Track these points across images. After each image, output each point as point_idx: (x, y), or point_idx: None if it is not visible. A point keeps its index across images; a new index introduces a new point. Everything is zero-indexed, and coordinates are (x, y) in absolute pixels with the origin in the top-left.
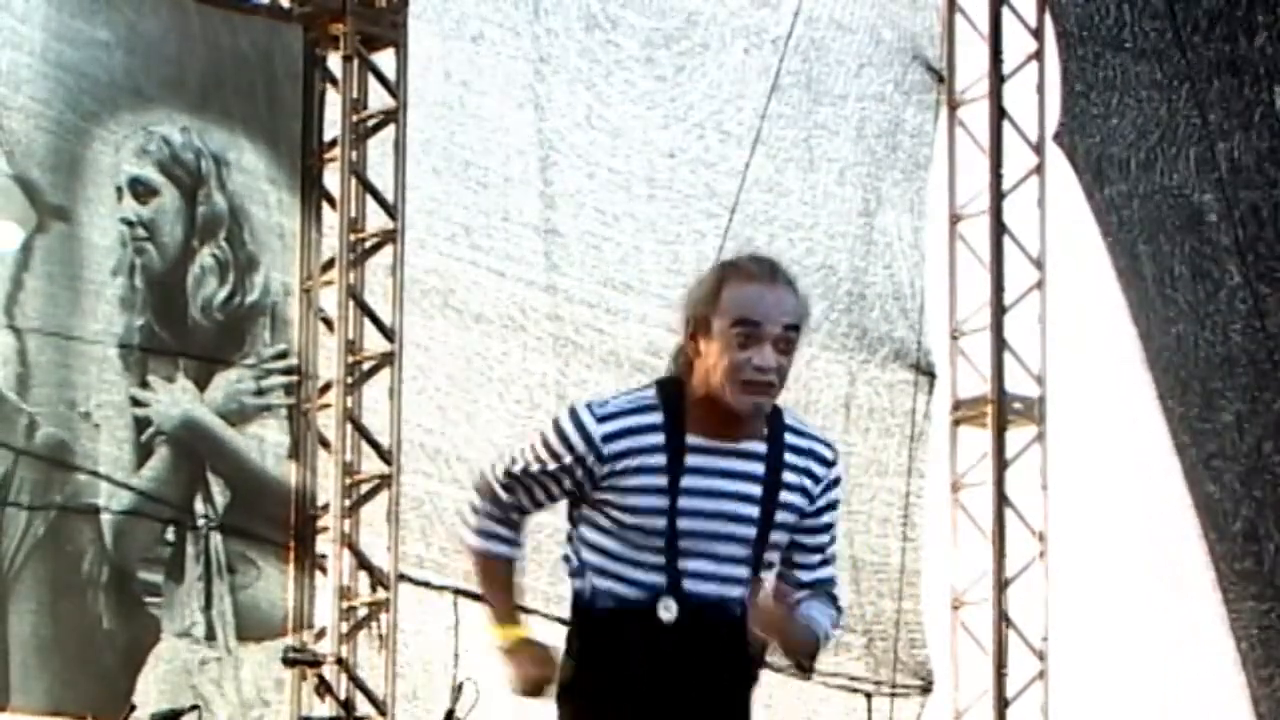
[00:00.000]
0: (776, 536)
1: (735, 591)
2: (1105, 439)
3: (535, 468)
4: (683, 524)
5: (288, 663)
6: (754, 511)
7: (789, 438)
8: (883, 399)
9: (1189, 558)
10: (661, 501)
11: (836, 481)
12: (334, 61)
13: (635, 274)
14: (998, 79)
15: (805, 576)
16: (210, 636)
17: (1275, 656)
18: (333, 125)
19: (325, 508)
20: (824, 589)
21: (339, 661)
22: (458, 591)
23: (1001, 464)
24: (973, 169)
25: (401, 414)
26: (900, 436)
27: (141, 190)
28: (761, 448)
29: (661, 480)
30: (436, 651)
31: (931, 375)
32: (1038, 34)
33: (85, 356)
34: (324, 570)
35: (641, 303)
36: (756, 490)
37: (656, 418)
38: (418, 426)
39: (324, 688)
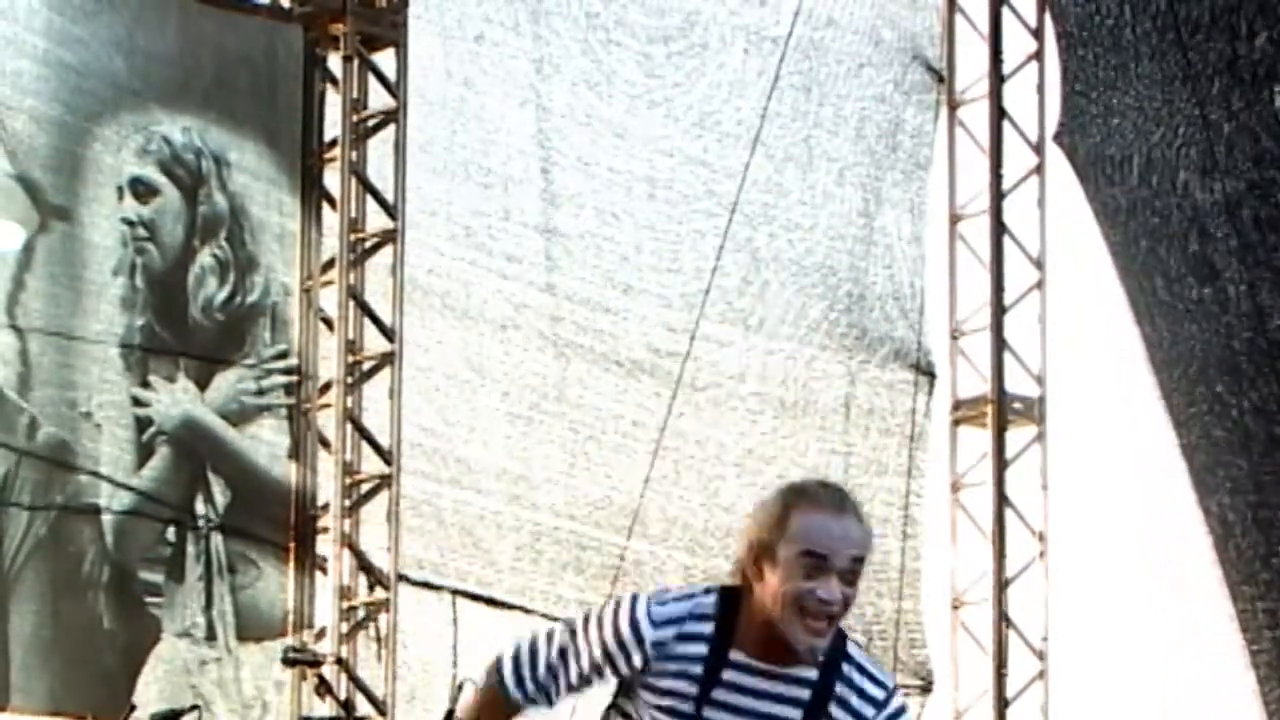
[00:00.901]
0: None
1: None
2: (1105, 439)
3: (587, 649)
4: None
5: (288, 663)
6: None
7: (846, 669)
8: (883, 399)
9: (1189, 558)
10: (688, 708)
11: (896, 714)
12: (334, 61)
13: (635, 274)
14: (998, 79)
15: None
16: (211, 636)
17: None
18: (333, 125)
19: (325, 508)
20: None
21: (339, 661)
22: (457, 592)
23: (1001, 464)
24: (973, 169)
25: (402, 414)
26: (900, 436)
27: (142, 190)
28: (812, 674)
29: (693, 689)
30: (436, 652)
31: (931, 375)
32: (1038, 34)
33: (86, 356)
34: (324, 570)
35: (642, 303)
36: (796, 715)
37: (708, 628)
38: (418, 427)
39: (324, 688)
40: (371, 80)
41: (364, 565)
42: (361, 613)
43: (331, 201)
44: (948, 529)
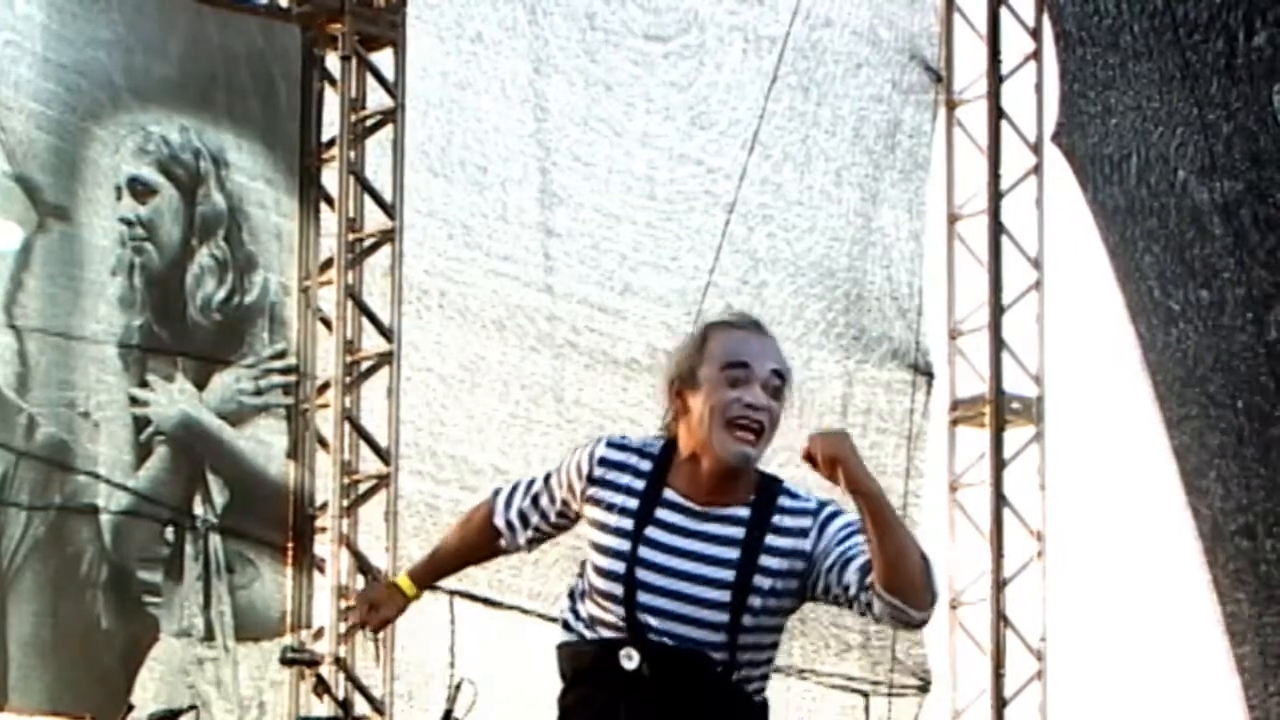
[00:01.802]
0: (758, 601)
1: (711, 642)
2: (1103, 439)
3: (539, 482)
4: (641, 574)
5: (286, 662)
6: (727, 575)
7: (781, 500)
8: (880, 399)
9: (1187, 558)
10: (623, 545)
11: (831, 516)
12: (332, 61)
13: (633, 274)
14: (996, 79)
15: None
16: (209, 636)
17: (1269, 660)
18: (331, 125)
19: (323, 507)
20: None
21: (337, 661)
22: (455, 593)
23: (999, 464)
24: (971, 169)
25: (400, 414)
26: (898, 436)
27: (140, 190)
28: (744, 512)
29: (628, 524)
30: (434, 652)
31: (929, 375)
32: (1036, 34)
33: (84, 356)
34: (322, 570)
35: (640, 303)
36: (733, 554)
37: (647, 465)
38: (416, 426)
39: (322, 687)
40: (370, 80)
41: (362, 565)
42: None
43: (329, 201)
44: (946, 529)
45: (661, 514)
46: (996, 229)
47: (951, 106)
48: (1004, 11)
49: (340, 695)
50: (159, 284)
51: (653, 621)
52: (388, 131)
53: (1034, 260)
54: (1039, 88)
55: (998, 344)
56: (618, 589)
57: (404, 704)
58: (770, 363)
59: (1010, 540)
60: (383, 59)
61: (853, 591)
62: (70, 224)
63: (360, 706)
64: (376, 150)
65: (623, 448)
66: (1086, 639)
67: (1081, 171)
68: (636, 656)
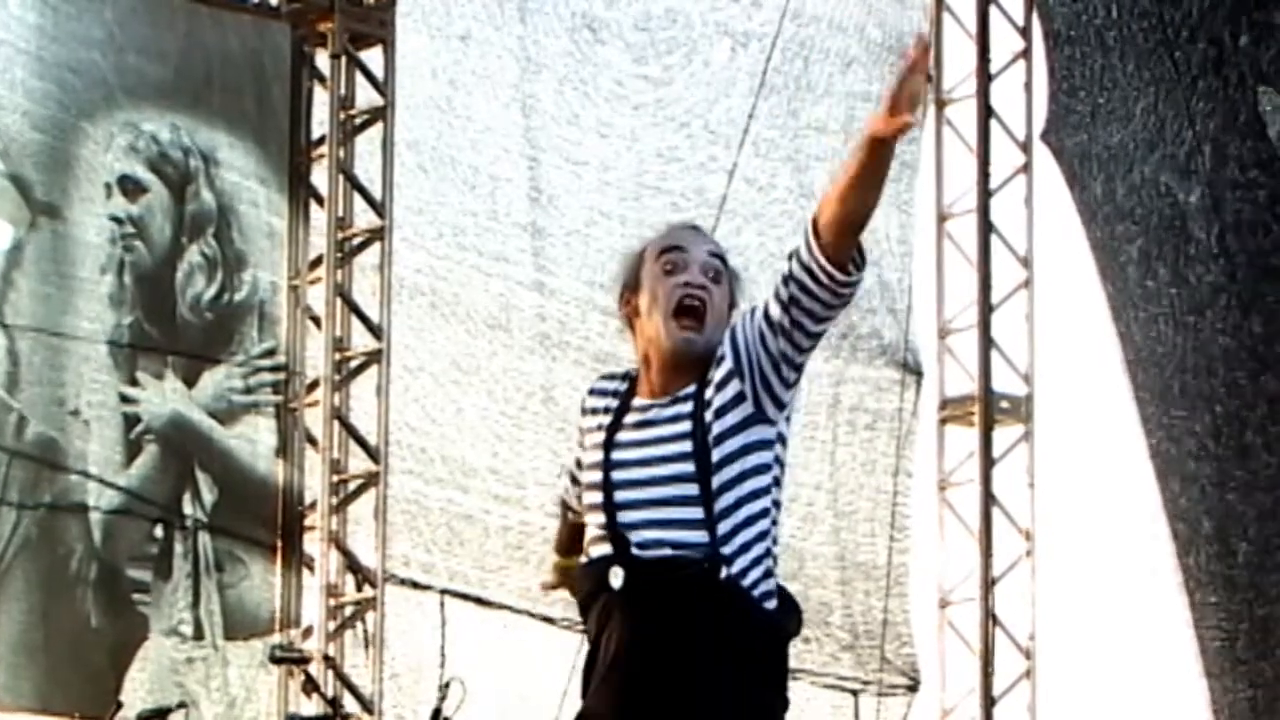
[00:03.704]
0: (717, 454)
1: (694, 540)
2: (1092, 437)
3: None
4: (615, 476)
5: (275, 661)
6: (686, 447)
7: (716, 356)
8: (869, 397)
9: (1174, 557)
10: (597, 456)
11: (732, 330)
12: (322, 59)
13: None
14: (985, 78)
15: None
16: (198, 635)
17: (1237, 659)
18: (321, 123)
19: (313, 506)
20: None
21: (326, 660)
22: (445, 591)
23: (988, 462)
24: (960, 168)
25: (389, 412)
26: (887, 435)
27: (130, 188)
28: (692, 388)
29: (600, 437)
30: (424, 650)
31: (918, 374)
32: (1025, 33)
33: (74, 354)
34: (311, 569)
35: None
36: (686, 426)
37: (624, 385)
38: (406, 425)
39: (311, 686)
40: (359, 78)
41: (351, 564)
42: (349, 611)
43: (319, 199)
44: (935, 528)
45: (628, 418)
46: (986, 228)
47: (941, 105)
48: (993, 10)
49: (329, 694)
50: (149, 282)
51: (634, 519)
52: (377, 130)
53: (1023, 259)
54: (1028, 87)
55: (987, 343)
56: (598, 497)
57: (393, 703)
58: (706, 245)
59: (999, 539)
60: (372, 57)
61: (764, 304)
62: (60, 222)
63: (349, 705)
64: (366, 148)
65: (608, 377)
66: (1075, 638)
67: (1069, 170)
68: (621, 574)
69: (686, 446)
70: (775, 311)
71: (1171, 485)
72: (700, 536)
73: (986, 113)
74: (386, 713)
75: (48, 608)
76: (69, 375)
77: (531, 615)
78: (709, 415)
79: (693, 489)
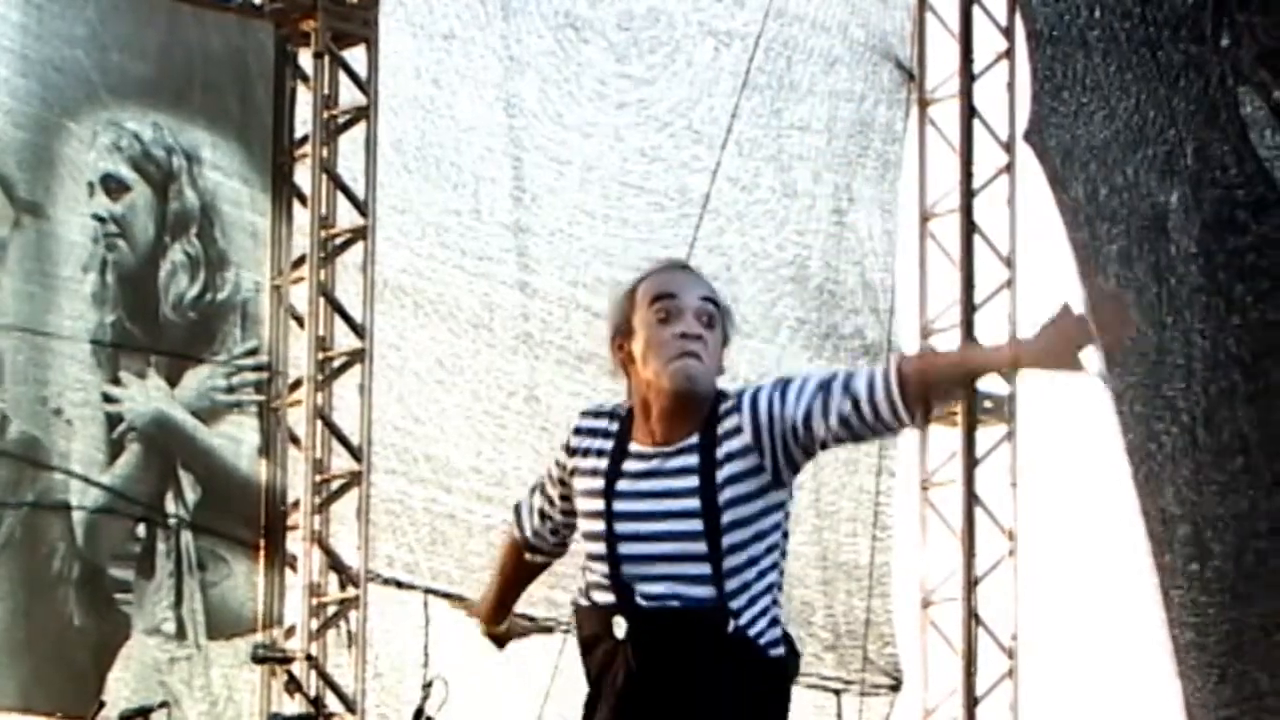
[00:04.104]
0: (732, 515)
1: (699, 592)
2: (1075, 437)
3: (547, 470)
4: (618, 527)
5: (257, 660)
6: (693, 504)
7: (721, 410)
8: None
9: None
10: (598, 505)
11: (754, 396)
12: (305, 58)
13: (606, 272)
14: (968, 77)
15: (856, 384)
16: (180, 634)
17: (1208, 660)
18: (304, 122)
19: (295, 505)
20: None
21: (309, 659)
22: (428, 590)
23: (971, 462)
24: (943, 167)
25: (372, 412)
26: None
27: (113, 186)
28: (696, 439)
29: (599, 484)
30: (406, 649)
31: None
32: (1008, 33)
33: (58, 353)
34: (294, 568)
35: None
36: (692, 482)
37: (614, 426)
38: (388, 424)
39: (294, 685)
40: (342, 77)
41: (334, 563)
42: (331, 610)
43: (302, 198)
44: (918, 527)
45: (627, 465)
46: (969, 227)
47: (924, 105)
48: (976, 10)
49: (312, 693)
50: (132, 281)
51: (640, 572)
52: (361, 129)
53: (1006, 259)
54: (1011, 86)
55: (969, 342)
56: (600, 547)
57: (376, 702)
58: (699, 290)
59: (982, 539)
60: (356, 56)
61: (808, 402)
62: (45, 220)
63: (332, 704)
64: (349, 147)
65: (595, 414)
66: (1058, 637)
67: (1051, 170)
68: (624, 625)
69: (694, 504)
70: (819, 421)
71: (1148, 485)
72: (708, 591)
73: (969, 112)
74: (369, 712)
75: (30, 607)
76: (52, 374)
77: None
78: (719, 476)
79: (700, 546)
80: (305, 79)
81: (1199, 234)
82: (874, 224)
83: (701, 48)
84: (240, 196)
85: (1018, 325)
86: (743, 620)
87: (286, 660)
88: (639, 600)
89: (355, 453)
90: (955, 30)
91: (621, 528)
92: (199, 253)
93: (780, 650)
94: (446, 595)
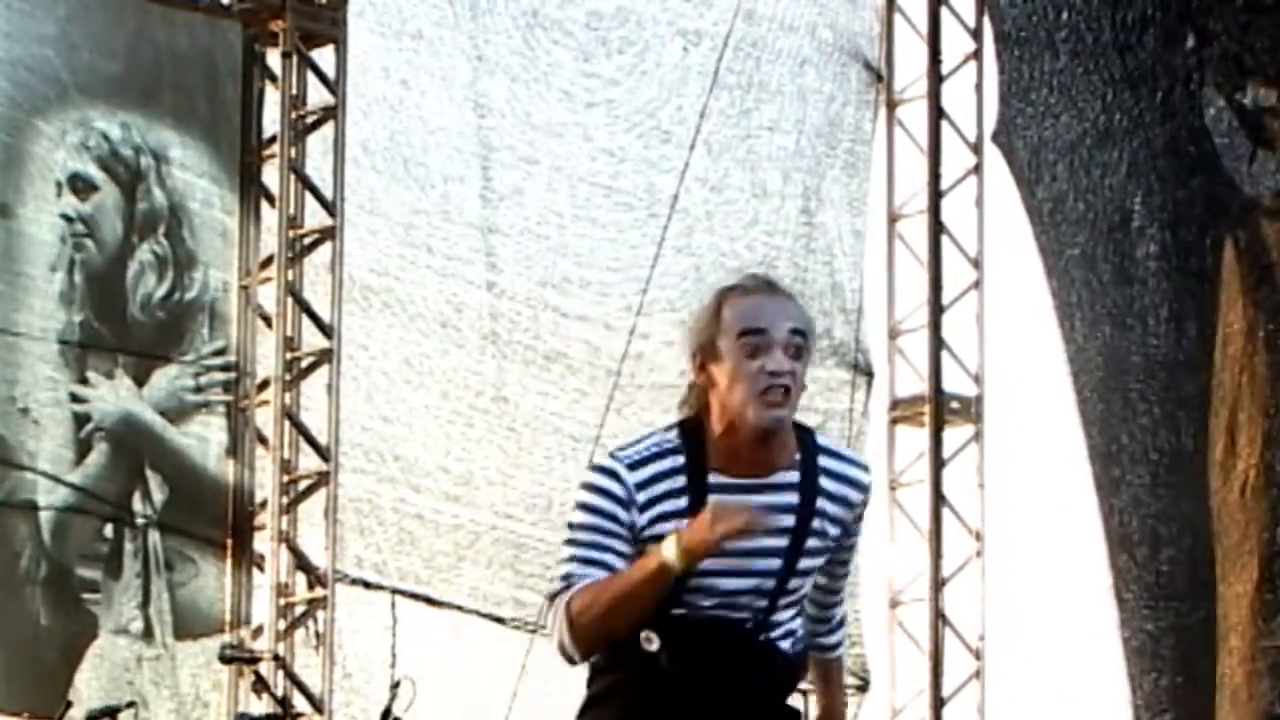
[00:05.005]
0: (806, 564)
1: (743, 615)
2: (1042, 438)
3: (595, 538)
4: (704, 564)
5: (225, 660)
6: (783, 543)
7: (824, 461)
8: (820, 398)
9: None
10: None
11: (866, 504)
12: (273, 58)
13: (575, 273)
14: (936, 79)
15: (828, 640)
16: (148, 634)
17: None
18: (272, 122)
19: (263, 505)
20: (840, 665)
21: (276, 659)
22: (395, 591)
23: (939, 463)
24: (911, 168)
25: (340, 412)
26: (837, 435)
27: (81, 186)
28: (794, 477)
29: (684, 524)
30: (374, 650)
31: (869, 374)
32: (976, 34)
33: (25, 352)
34: (261, 568)
35: (581, 302)
36: (788, 520)
37: (679, 460)
38: (356, 425)
39: (261, 685)
40: (311, 77)
41: (301, 563)
42: (299, 610)
43: (270, 198)
44: (885, 528)
45: (717, 496)
46: (936, 228)
47: (892, 106)
48: (944, 11)
49: (279, 693)
50: (99, 280)
51: (707, 585)
52: (329, 129)
53: (974, 260)
54: (979, 88)
55: (937, 343)
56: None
57: (343, 702)
58: (788, 323)
59: (949, 539)
60: (324, 56)
61: (811, 606)
62: (13, 219)
63: (300, 704)
64: (317, 147)
65: (641, 462)
66: (1025, 638)
67: (1018, 172)
68: (656, 640)
69: (783, 541)
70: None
71: (1107, 487)
72: (760, 606)
73: (937, 114)
74: (336, 712)
75: None
76: (19, 373)
77: (481, 615)
78: (814, 526)
79: (770, 583)
80: (274, 79)
81: (1163, 236)
82: (842, 224)
83: (670, 48)
84: (208, 196)
85: (986, 326)
86: (776, 633)
87: (254, 660)
88: (676, 610)
89: (323, 453)
90: (923, 31)
91: (707, 564)
92: (167, 252)
93: (800, 647)
94: (414, 595)
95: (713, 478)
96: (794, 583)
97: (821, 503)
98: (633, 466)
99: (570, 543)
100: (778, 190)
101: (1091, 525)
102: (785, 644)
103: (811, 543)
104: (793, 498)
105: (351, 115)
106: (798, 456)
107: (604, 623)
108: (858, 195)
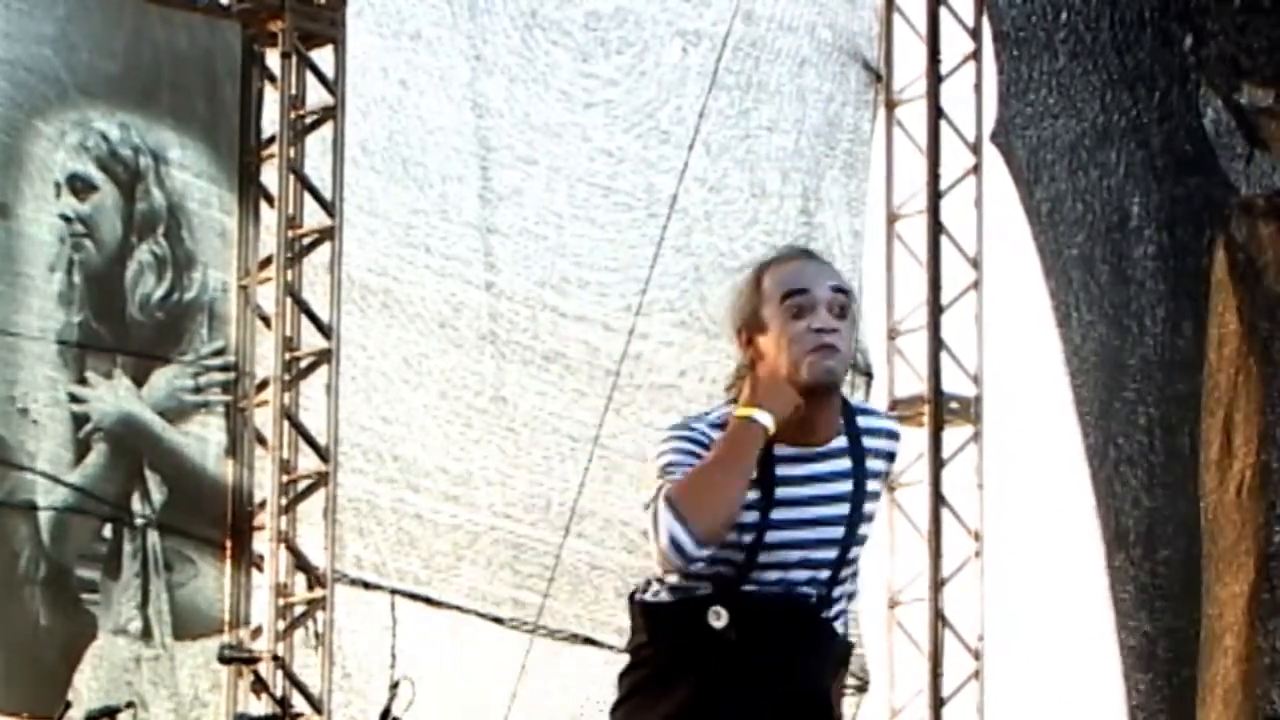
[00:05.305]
0: (864, 529)
1: (808, 590)
2: (1041, 438)
3: (688, 447)
4: (772, 537)
5: (224, 660)
6: (844, 510)
7: (861, 421)
8: None
9: None
10: (752, 517)
11: (896, 441)
12: (272, 59)
13: (574, 273)
14: (935, 79)
15: (834, 611)
16: (147, 634)
17: (1155, 664)
18: (271, 123)
19: (262, 505)
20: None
21: (275, 659)
22: (395, 591)
23: (938, 463)
24: (910, 168)
25: (339, 412)
26: None
27: (80, 186)
28: (844, 442)
29: (755, 495)
30: (373, 650)
31: (868, 374)
32: (975, 34)
33: (24, 353)
34: (260, 568)
35: (580, 302)
36: (846, 486)
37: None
38: (356, 425)
39: (260, 686)
40: (310, 77)
41: (301, 563)
42: (298, 611)
43: (269, 199)
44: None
45: (781, 471)
46: (935, 229)
47: (891, 106)
48: (943, 12)
49: (279, 693)
50: (98, 281)
51: (777, 559)
52: (328, 129)
53: (973, 260)
54: (978, 88)
55: (936, 344)
56: (739, 556)
57: (343, 702)
58: (829, 281)
59: (948, 540)
60: (323, 56)
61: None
62: (13, 220)
63: (299, 705)
64: (316, 148)
65: (713, 425)
66: (1024, 639)
67: (1016, 172)
68: (725, 615)
69: (844, 509)
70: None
71: (1104, 487)
72: (823, 577)
73: (936, 114)
74: (336, 712)
75: None
76: (19, 373)
77: (481, 615)
78: (869, 488)
79: (833, 553)
80: (272, 79)
81: (1160, 236)
82: (841, 225)
83: (669, 48)
84: (207, 196)
85: (985, 327)
86: (833, 610)
87: (253, 660)
88: (744, 587)
89: (322, 453)
90: (922, 31)
91: (774, 536)
92: (166, 253)
93: (846, 630)
94: (413, 596)
95: (776, 449)
96: (854, 551)
97: (870, 462)
98: (713, 426)
99: (665, 468)
100: (777, 190)
101: (1090, 526)
102: (839, 624)
103: (868, 506)
104: (847, 463)
105: (350, 115)
106: (842, 421)
107: (709, 493)
108: (857, 195)
